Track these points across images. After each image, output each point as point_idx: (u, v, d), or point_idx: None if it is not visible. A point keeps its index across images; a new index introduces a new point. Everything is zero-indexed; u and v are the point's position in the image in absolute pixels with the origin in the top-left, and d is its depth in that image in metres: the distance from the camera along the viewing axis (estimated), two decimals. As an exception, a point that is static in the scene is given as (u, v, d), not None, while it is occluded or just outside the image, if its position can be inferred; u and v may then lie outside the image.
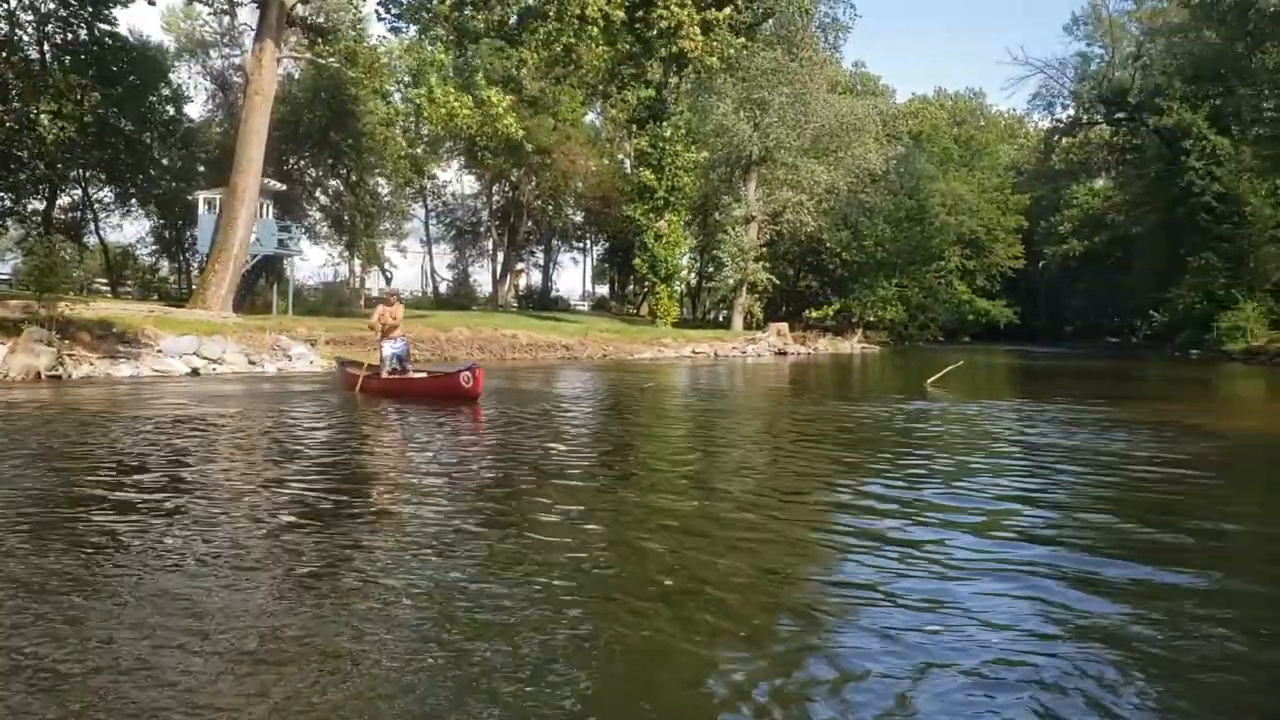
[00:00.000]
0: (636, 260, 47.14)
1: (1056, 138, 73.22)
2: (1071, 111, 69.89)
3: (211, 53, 44.09)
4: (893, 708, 3.17)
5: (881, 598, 4.36)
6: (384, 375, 15.40)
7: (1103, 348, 62.19)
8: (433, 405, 13.50)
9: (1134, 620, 4.05)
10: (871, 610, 4.18)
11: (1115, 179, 72.04)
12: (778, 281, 56.79)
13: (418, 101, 27.55)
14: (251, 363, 21.70)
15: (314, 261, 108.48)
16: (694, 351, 36.06)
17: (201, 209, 33.69)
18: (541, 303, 59.71)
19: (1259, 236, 43.64)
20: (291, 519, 5.79)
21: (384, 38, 30.20)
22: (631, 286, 67.29)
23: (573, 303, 68.91)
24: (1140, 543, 5.54)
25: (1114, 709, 3.18)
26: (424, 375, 15.75)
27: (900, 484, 7.52)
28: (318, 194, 45.56)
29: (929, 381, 20.08)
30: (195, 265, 39.80)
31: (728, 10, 41.60)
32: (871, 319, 60.38)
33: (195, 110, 44.65)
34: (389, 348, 15.56)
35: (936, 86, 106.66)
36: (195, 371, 19.57)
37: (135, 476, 7.12)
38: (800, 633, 3.93)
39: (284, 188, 36.94)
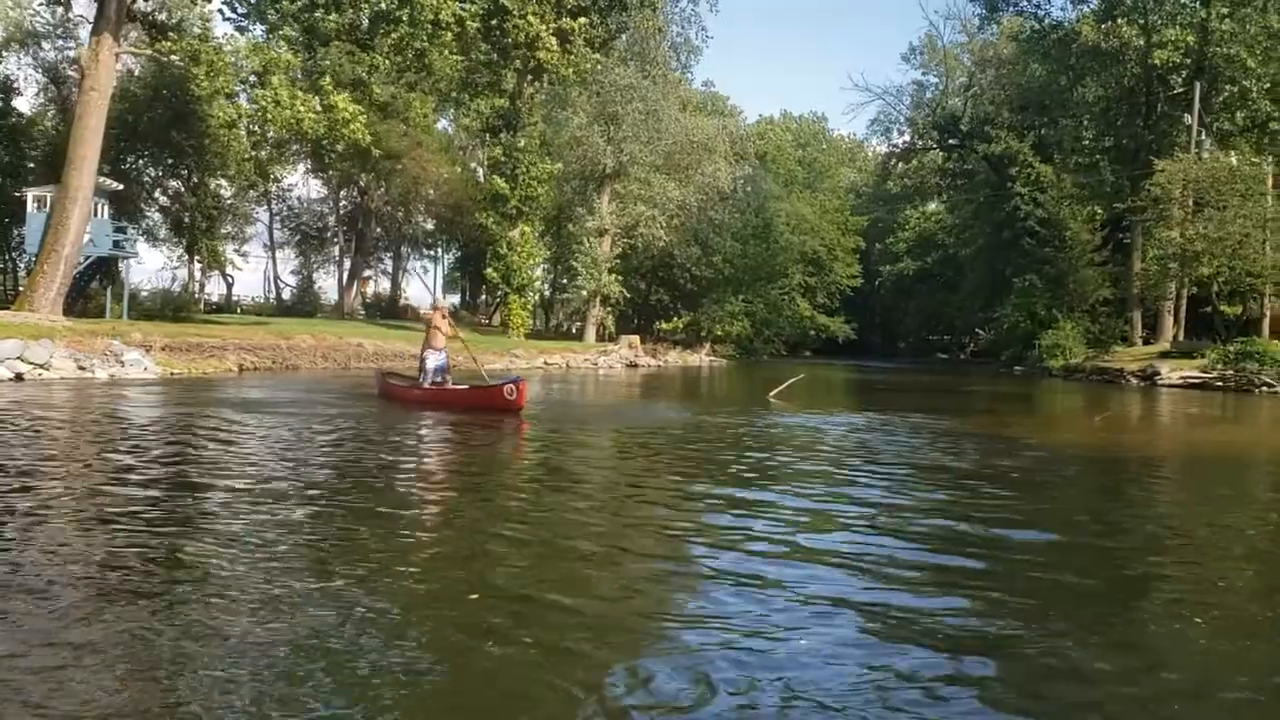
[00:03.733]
0: (489, 270, 46.95)
1: (893, 162, 76.63)
2: (907, 137, 73.36)
3: (44, 44, 41.68)
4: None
5: (711, 587, 4.67)
6: (425, 386, 15.35)
7: (933, 363, 65.42)
8: (474, 417, 13.52)
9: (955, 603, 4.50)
10: (704, 598, 4.49)
11: (947, 203, 75.82)
12: (630, 294, 57.55)
13: (263, 104, 26.88)
14: (81, 368, 20.80)
15: (151, 265, 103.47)
16: (546, 363, 36.19)
17: (30, 207, 31.81)
18: (390, 311, 58.72)
19: (1078, 260, 46.55)
20: (113, 524, 5.73)
21: (230, 36, 29.25)
22: (484, 296, 66.86)
23: (423, 312, 67.99)
24: (963, 542, 6.05)
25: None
26: (465, 387, 15.65)
27: (740, 488, 7.92)
28: (156, 195, 43.65)
29: (772, 394, 20.80)
30: (23, 266, 37.53)
31: (582, 20, 42.14)
32: (719, 333, 61.81)
33: (25, 104, 42.11)
34: (433, 360, 15.44)
35: (782, 109, 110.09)
36: (19, 377, 18.58)
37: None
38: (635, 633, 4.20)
39: (120, 187, 35.27)
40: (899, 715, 3.26)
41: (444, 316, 16.10)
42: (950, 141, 66.32)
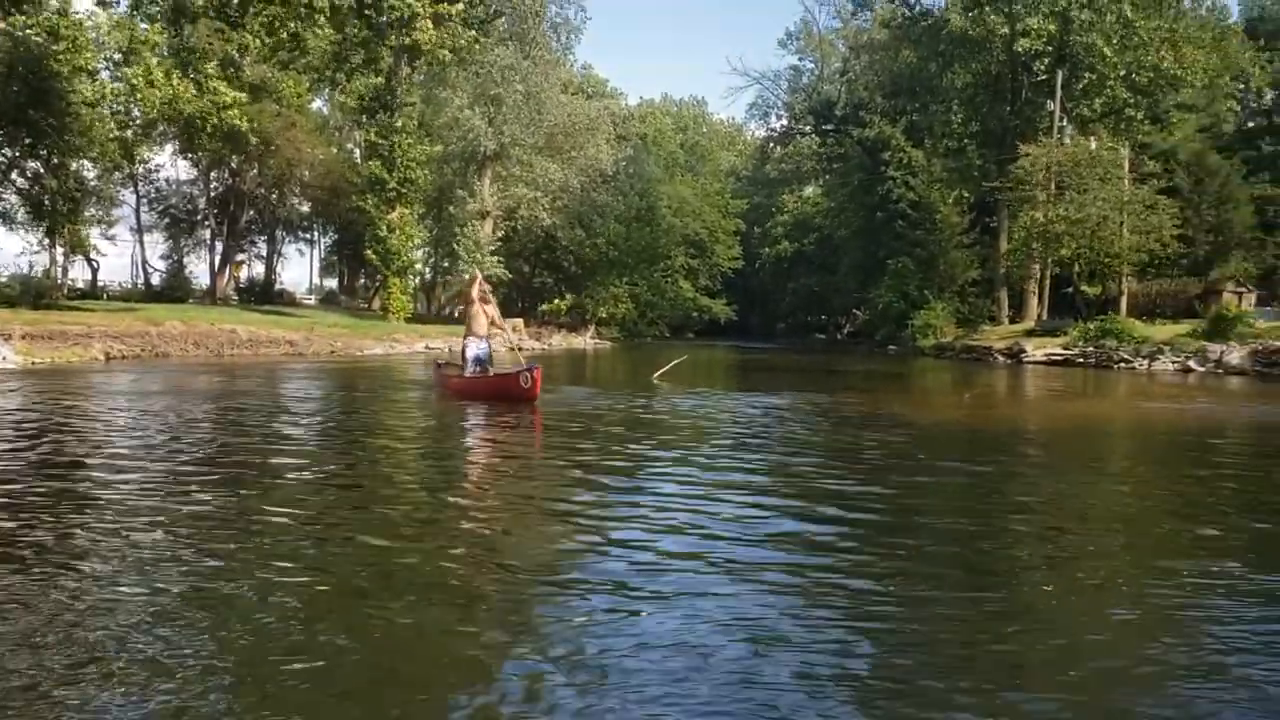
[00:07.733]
0: (368, 252, 46.12)
1: (771, 146, 77.94)
2: (785, 122, 74.69)
3: (-113, 13, 38.97)
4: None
5: (594, 560, 4.84)
6: (466, 376, 15.03)
7: (811, 343, 66.97)
8: (494, 405, 13.28)
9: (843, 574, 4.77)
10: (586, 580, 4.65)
11: (823, 187, 77.53)
12: (513, 277, 57.28)
13: (133, 82, 25.85)
14: (-66, 359, 19.82)
15: (10, 250, 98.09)
16: (428, 347, 35.78)
17: None
18: (265, 296, 57.00)
19: (947, 242, 48.19)
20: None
21: (92, 12, 27.98)
22: (363, 280, 65.62)
23: (299, 296, 66.38)
24: (833, 517, 6.36)
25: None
26: (492, 375, 15.17)
27: (626, 471, 8.12)
28: (14, 176, 41.32)
29: (656, 375, 21.07)
30: None
31: (460, 5, 41.61)
32: (603, 315, 62.09)
33: None
34: (473, 349, 15.01)
35: (663, 93, 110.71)
36: None
37: None
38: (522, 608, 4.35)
39: (-28, 168, 33.41)
40: (770, 693, 3.46)
41: (483, 298, 15.43)
42: (825, 126, 67.81)
